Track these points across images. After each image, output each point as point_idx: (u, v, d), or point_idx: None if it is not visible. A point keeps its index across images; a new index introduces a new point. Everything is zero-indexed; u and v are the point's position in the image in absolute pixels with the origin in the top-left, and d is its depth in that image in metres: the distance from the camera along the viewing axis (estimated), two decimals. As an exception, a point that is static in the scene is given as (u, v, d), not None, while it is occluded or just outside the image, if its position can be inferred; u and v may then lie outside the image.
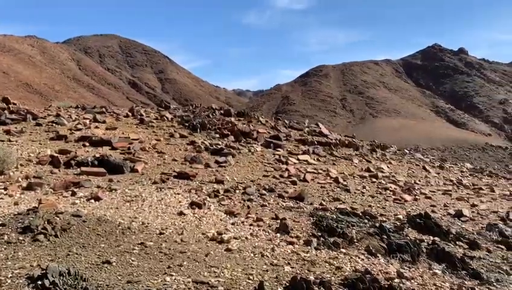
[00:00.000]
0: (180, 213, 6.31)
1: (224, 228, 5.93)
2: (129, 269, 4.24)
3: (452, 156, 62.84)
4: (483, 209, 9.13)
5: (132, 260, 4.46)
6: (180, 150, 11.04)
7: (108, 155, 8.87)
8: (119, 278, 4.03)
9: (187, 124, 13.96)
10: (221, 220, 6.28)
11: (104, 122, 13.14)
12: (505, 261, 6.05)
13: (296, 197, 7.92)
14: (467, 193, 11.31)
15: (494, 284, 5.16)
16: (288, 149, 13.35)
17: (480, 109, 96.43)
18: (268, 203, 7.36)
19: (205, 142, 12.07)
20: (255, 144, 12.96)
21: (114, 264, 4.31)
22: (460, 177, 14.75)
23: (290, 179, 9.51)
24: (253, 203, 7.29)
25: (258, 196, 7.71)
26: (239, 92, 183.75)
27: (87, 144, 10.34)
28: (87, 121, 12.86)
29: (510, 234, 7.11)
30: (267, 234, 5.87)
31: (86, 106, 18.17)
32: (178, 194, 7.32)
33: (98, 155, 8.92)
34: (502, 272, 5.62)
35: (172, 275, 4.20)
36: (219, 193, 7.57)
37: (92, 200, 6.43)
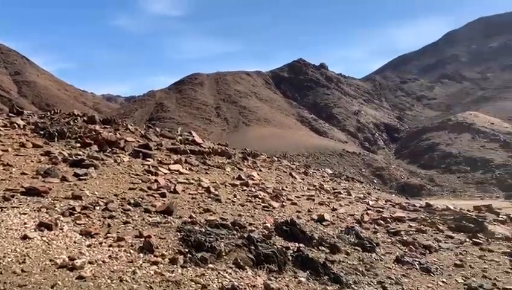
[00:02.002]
0: (24, 237, 5.40)
1: (78, 251, 5.24)
2: None
3: (315, 162, 68.24)
4: (341, 213, 9.82)
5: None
6: (32, 161, 9.70)
7: None
8: None
9: (42, 132, 12.41)
10: (75, 242, 5.54)
11: None
12: (361, 263, 6.50)
13: (164, 211, 7.49)
14: (328, 198, 12.14)
15: (353, 286, 5.46)
16: (159, 159, 12.76)
17: (338, 119, 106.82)
18: (133, 220, 6.79)
19: (63, 152, 10.84)
20: (122, 154, 12.09)
21: None
22: (322, 182, 15.85)
23: (159, 191, 9.02)
24: (115, 220, 6.65)
25: (121, 212, 7.07)
26: (109, 97, 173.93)
27: None
28: None
29: (365, 236, 7.71)
30: (128, 255, 5.35)
31: None
32: (24, 214, 6.30)
33: None
34: (358, 273, 6.01)
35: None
36: (75, 211, 6.73)
37: None
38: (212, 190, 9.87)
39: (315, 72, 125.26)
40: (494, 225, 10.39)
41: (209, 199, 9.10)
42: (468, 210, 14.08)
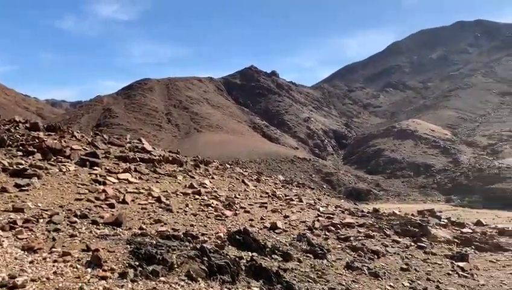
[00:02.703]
0: (-42, 255, 5.02)
1: (19, 268, 4.92)
2: None
3: (267, 168, 68.84)
4: (294, 220, 9.95)
5: None
6: (-34, 172, 9.06)
7: None
8: None
9: (-21, 140, 11.63)
10: (16, 258, 5.21)
11: None
12: (313, 270, 6.61)
13: (112, 223, 7.23)
14: (280, 205, 12.25)
15: (305, 294, 5.53)
16: (107, 167, 12.33)
17: (289, 126, 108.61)
18: (79, 233, 6.49)
19: (3, 161, 10.19)
20: (67, 162, 11.56)
21: None
22: (274, 189, 15.99)
23: (108, 202, 8.70)
24: (60, 233, 6.32)
25: (67, 225, 6.75)
26: (53, 102, 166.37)
27: None
28: None
29: (316, 243, 7.85)
30: (75, 270, 5.09)
31: None
32: (-42, 229, 5.86)
33: None
34: (310, 280, 6.09)
35: None
36: (16, 225, 6.33)
37: None
38: (163, 199, 9.66)
39: (266, 80, 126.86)
40: (437, 228, 10.94)
41: (160, 209, 8.90)
42: (412, 214, 14.77)
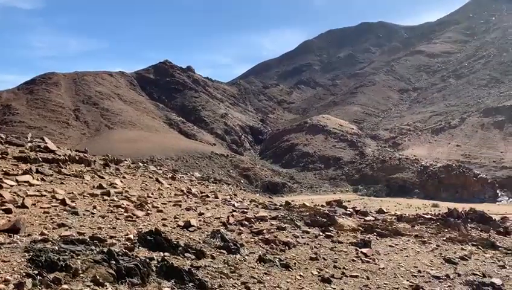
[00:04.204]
0: None
1: None
2: None
3: (185, 165, 68.04)
4: (208, 217, 9.93)
5: None
6: None
7: None
8: None
9: None
10: None
11: None
12: (226, 265, 6.66)
13: (8, 230, 6.62)
14: (195, 202, 12.16)
15: (217, 290, 5.56)
16: (4, 169, 11.27)
17: (206, 122, 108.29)
18: (-32, 243, 5.86)
19: None
20: (-46, 165, 10.37)
21: None
22: (189, 187, 15.83)
23: (4, 207, 7.95)
24: None
25: (-48, 235, 6.05)
26: None
27: None
28: None
29: (230, 238, 7.92)
30: (-39, 285, 4.59)
31: None
32: None
33: None
34: (223, 276, 6.14)
35: None
36: None
37: None
38: (68, 201, 9.07)
39: (182, 75, 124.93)
40: (343, 218, 11.64)
41: (65, 213, 8.35)
42: (322, 205, 15.55)
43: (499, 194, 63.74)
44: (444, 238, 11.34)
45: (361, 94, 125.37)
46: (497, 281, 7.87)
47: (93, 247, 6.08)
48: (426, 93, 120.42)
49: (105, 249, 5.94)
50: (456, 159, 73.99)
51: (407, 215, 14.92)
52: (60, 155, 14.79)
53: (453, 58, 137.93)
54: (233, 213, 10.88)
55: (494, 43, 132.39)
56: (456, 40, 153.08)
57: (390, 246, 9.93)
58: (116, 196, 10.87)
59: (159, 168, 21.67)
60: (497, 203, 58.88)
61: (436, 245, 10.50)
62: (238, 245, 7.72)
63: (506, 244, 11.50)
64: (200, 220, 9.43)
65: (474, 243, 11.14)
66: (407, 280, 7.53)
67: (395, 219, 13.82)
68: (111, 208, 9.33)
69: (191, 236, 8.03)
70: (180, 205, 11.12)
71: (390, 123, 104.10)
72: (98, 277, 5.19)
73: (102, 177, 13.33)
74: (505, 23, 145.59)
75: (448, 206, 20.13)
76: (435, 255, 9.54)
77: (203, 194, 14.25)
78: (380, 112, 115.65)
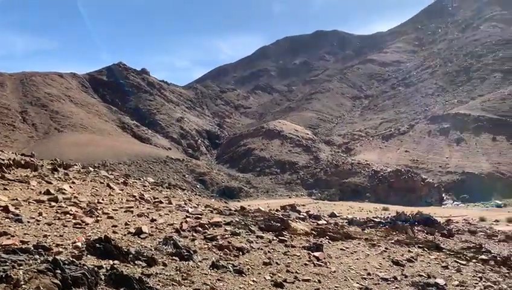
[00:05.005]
0: None
1: None
2: None
3: (138, 170, 66.49)
4: (161, 223, 9.75)
5: None
6: None
7: None
8: None
9: None
10: None
11: None
12: (178, 272, 6.56)
13: None
14: (148, 208, 11.91)
15: (168, 298, 5.46)
16: None
17: (162, 126, 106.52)
18: None
19: None
20: None
21: None
22: (142, 192, 15.48)
23: None
24: None
25: None
26: None
27: None
28: None
29: (183, 245, 7.82)
30: None
31: None
32: None
33: None
34: (175, 283, 6.04)
35: None
36: None
37: None
38: (11, 208, 8.62)
39: (136, 77, 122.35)
40: (297, 222, 11.81)
41: (7, 220, 7.92)
42: (276, 210, 15.71)
43: (444, 198, 67.08)
44: (392, 241, 11.79)
45: (316, 100, 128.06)
46: (441, 281, 8.27)
47: (37, 256, 5.80)
48: (377, 100, 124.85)
49: (50, 258, 5.68)
50: (404, 164, 77.12)
51: (358, 218, 15.38)
52: (3, 159, 14.04)
53: (403, 67, 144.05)
54: (187, 219, 10.75)
55: (440, 54, 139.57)
56: (405, 50, 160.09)
57: (341, 249, 10.18)
58: (65, 202, 10.45)
59: (110, 173, 21.04)
60: (443, 206, 61.95)
61: (385, 248, 10.89)
62: (191, 252, 7.63)
63: (449, 246, 12.13)
64: (152, 227, 9.24)
65: (420, 245, 11.66)
66: (357, 283, 7.74)
67: (346, 222, 14.20)
68: (58, 215, 8.95)
69: (143, 243, 7.85)
70: (131, 211, 10.85)
71: (344, 129, 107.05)
72: (41, 288, 4.95)
73: (50, 183, 12.78)
74: (450, 36, 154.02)
75: (398, 209, 20.98)
76: (383, 258, 9.88)
77: (156, 200, 13.98)
78: (334, 118, 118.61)
